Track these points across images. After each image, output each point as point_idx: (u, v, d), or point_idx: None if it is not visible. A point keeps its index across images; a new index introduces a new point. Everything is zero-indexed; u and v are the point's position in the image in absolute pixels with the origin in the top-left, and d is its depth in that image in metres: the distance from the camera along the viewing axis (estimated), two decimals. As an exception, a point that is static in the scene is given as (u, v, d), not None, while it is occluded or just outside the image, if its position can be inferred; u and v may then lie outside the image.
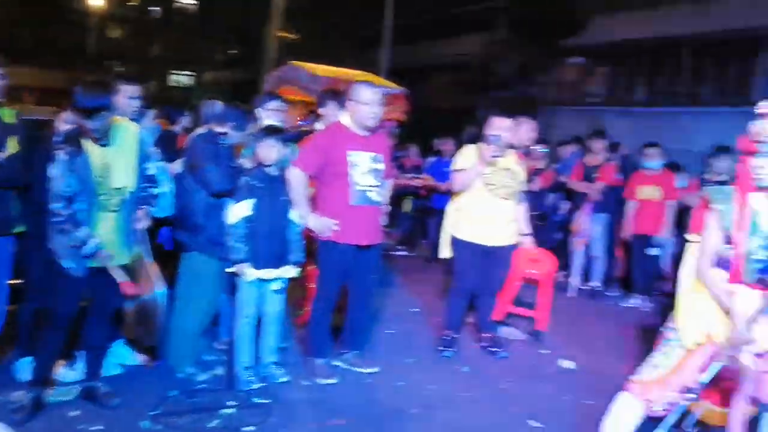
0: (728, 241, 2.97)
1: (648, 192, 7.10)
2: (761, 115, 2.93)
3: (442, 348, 4.75)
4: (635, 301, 7.11)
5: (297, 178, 3.95)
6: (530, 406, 3.90)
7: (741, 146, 3.00)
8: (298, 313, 4.88)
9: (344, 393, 3.91)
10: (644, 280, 7.20)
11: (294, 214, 3.93)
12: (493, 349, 4.84)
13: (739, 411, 2.96)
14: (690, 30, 13.27)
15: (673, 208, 6.94)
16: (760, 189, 2.92)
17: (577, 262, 7.54)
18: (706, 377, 2.93)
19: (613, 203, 7.40)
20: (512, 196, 4.70)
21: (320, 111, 4.89)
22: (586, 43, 15.59)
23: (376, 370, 4.25)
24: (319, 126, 4.80)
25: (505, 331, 5.30)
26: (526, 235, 5.03)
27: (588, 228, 7.41)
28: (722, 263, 3.00)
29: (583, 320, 6.25)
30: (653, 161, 7.15)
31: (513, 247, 4.87)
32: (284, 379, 3.96)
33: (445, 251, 4.93)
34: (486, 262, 4.71)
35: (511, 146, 4.92)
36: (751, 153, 2.92)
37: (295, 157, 4.08)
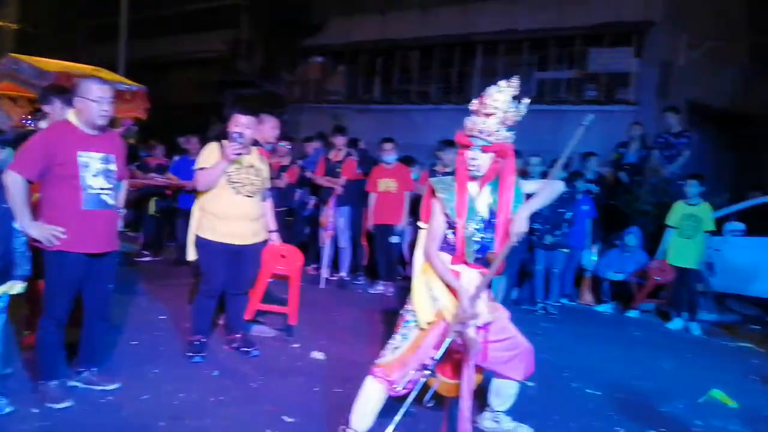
0: (451, 225, 3.25)
1: (387, 184, 7.55)
2: (473, 112, 3.24)
3: (191, 354, 4.57)
4: (380, 288, 7.54)
5: (16, 184, 3.51)
6: (283, 401, 3.91)
7: (458, 140, 3.29)
8: (25, 334, 4.37)
9: (82, 416, 3.56)
10: (387, 267, 7.66)
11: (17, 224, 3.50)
12: (245, 349, 4.78)
13: (469, 380, 3.26)
14: (418, 34, 14.34)
15: (409, 198, 7.47)
16: (475, 178, 3.24)
17: (326, 254, 7.77)
18: (439, 353, 3.18)
19: (355, 196, 7.75)
20: (257, 194, 4.66)
21: (45, 109, 4.42)
22: (326, 43, 16.09)
23: (117, 386, 3.94)
24: (43, 125, 4.33)
25: (256, 330, 5.27)
26: (273, 231, 5.04)
27: (334, 221, 7.67)
28: (447, 246, 3.29)
29: (334, 310, 6.46)
30: (390, 155, 7.61)
31: (261, 245, 4.85)
32: (8, 410, 3.50)
33: (191, 253, 4.74)
34: (234, 261, 4.62)
35: (255, 143, 4.89)
36: (466, 146, 3.22)
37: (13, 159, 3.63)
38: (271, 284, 5.45)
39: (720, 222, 7.80)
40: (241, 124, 4.48)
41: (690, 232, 7.14)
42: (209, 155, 4.54)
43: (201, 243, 4.59)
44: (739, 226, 8.03)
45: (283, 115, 7.78)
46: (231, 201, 4.52)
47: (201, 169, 4.53)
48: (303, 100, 16.47)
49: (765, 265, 7.79)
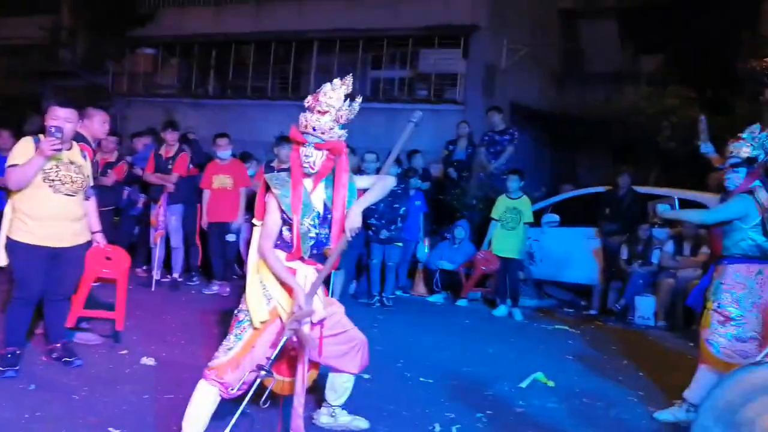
0: (286, 222, 3.24)
1: (222, 181, 7.38)
2: (308, 109, 3.25)
3: (3, 368, 4.16)
4: (216, 288, 7.36)
5: None
6: (109, 412, 3.67)
7: (292, 137, 3.28)
8: None
9: None
10: (223, 266, 7.50)
11: None
12: (67, 359, 4.43)
13: (302, 376, 3.27)
14: (254, 29, 14.11)
15: (245, 195, 7.36)
16: (309, 175, 3.25)
17: (157, 255, 7.45)
18: (275, 352, 3.16)
19: (188, 193, 7.51)
20: (79, 192, 4.36)
21: None
22: (157, 34, 15.39)
23: None
24: None
25: (79, 338, 4.92)
26: (97, 232, 4.74)
27: (165, 220, 7.37)
28: (282, 243, 3.27)
29: (166, 313, 6.20)
30: (224, 151, 7.45)
31: (84, 247, 4.54)
32: None
33: (2, 258, 4.33)
34: (53, 265, 4.29)
35: (81, 138, 4.59)
36: (300, 143, 3.22)
37: None
38: (96, 289, 5.14)
39: (538, 214, 8.45)
40: (59, 117, 4.17)
41: (512, 224, 7.66)
42: (23, 151, 4.17)
43: (14, 246, 4.21)
44: (555, 217, 8.74)
45: (109, 108, 7.30)
46: (48, 200, 4.19)
47: (13, 165, 4.15)
48: (131, 93, 15.62)
49: (577, 253, 8.56)
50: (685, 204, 7.08)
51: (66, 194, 4.24)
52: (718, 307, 4.08)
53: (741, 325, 4.01)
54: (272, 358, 3.15)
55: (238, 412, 3.06)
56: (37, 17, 16.79)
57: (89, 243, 4.61)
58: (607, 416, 4.36)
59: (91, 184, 4.56)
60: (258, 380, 3.13)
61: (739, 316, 4.01)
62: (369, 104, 10.30)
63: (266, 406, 3.13)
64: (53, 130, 4.07)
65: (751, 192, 4.08)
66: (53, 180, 4.18)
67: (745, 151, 4.11)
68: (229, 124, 11.67)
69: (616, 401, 4.66)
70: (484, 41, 12.11)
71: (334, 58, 13.20)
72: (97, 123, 5.17)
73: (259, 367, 3.11)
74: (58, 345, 4.50)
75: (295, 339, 3.17)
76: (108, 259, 4.97)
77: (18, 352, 4.27)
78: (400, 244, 7.79)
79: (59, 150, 4.12)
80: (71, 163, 4.30)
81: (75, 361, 4.45)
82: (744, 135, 4.16)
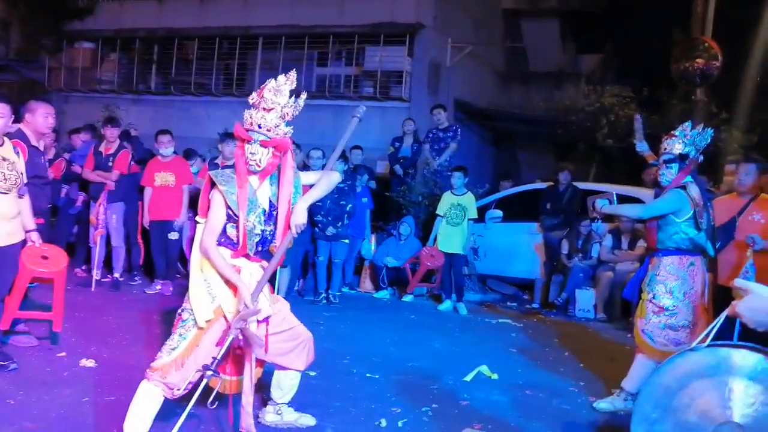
0: (231, 219, 3.20)
1: (164, 178, 7.24)
2: (253, 106, 3.22)
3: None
4: (159, 287, 7.23)
5: None
6: (45, 417, 3.56)
7: (237, 134, 3.24)
8: None
9: None
10: (165, 264, 7.37)
11: None
12: (1, 363, 4.28)
13: (250, 375, 3.25)
14: (197, 24, 13.86)
15: (188, 193, 7.24)
16: (254, 172, 3.22)
17: (97, 254, 7.27)
18: (221, 352, 3.12)
19: (129, 191, 7.36)
20: (12, 190, 4.22)
21: None
22: (96, 28, 14.96)
23: None
24: None
25: (15, 340, 4.76)
26: (32, 231, 4.59)
27: (106, 218, 7.19)
28: (227, 241, 3.23)
29: (106, 314, 6.06)
30: (166, 148, 7.31)
31: (18, 246, 4.40)
32: None
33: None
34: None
35: (20, 135, 4.48)
36: (245, 140, 3.19)
37: None
38: (33, 289, 4.97)
39: (482, 210, 8.57)
40: (-8, 112, 4.03)
41: (457, 220, 7.75)
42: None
43: (-58, 246, 4.05)
44: (498, 213, 8.88)
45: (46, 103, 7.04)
46: (-21, 198, 4.05)
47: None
48: (69, 88, 15.12)
49: (520, 248, 8.72)
50: (623, 199, 7.28)
51: (-1, 192, 4.10)
52: (653, 298, 4.23)
53: (674, 315, 4.17)
54: (218, 357, 3.11)
55: (185, 412, 3.02)
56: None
57: (24, 242, 4.48)
58: (549, 407, 4.46)
59: (25, 181, 4.42)
60: (204, 380, 3.09)
61: (673, 306, 4.17)
62: (315, 101, 10.27)
63: (214, 406, 3.09)
64: (-14, 125, 3.94)
65: (683, 187, 4.23)
66: (-16, 177, 4.04)
67: (677, 147, 4.26)
68: (172, 121, 11.46)
69: (558, 392, 4.78)
70: (428, 39, 12.19)
71: (280, 55, 13.07)
72: (40, 116, 4.95)
73: (205, 367, 3.06)
74: (-7, 348, 4.35)
75: (240, 337, 3.14)
76: (44, 258, 4.81)
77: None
78: (347, 241, 7.80)
79: (-9, 147, 3.98)
80: (3, 159, 4.16)
81: (10, 364, 4.30)
82: (676, 132, 4.32)
